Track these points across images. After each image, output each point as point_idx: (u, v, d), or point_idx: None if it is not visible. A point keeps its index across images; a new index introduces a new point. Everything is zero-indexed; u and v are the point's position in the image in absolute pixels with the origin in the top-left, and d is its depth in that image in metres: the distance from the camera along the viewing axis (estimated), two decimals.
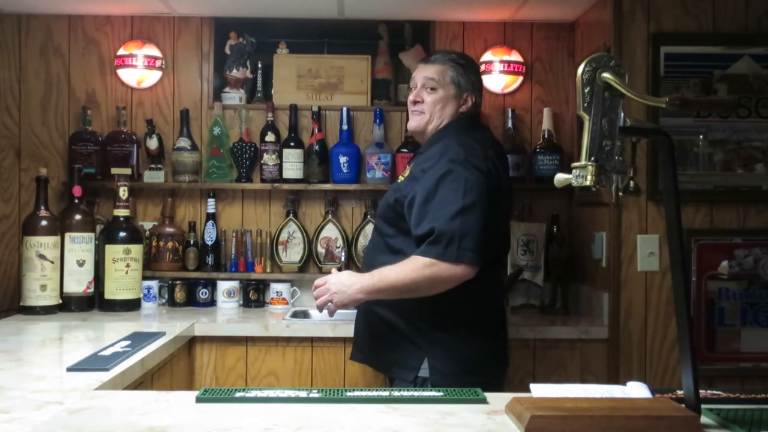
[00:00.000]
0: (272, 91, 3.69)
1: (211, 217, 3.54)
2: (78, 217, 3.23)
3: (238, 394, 1.63)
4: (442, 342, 2.41)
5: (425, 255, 2.29)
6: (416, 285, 2.30)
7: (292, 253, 3.56)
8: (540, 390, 1.64)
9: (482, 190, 2.35)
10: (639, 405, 1.51)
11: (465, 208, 2.30)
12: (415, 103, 2.55)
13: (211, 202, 3.54)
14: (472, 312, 2.46)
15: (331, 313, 2.46)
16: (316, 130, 3.53)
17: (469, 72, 2.57)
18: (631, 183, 1.51)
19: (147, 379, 2.32)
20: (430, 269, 2.27)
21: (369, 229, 3.43)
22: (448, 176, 2.34)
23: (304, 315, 3.35)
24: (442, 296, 2.34)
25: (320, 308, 2.44)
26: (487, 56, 3.59)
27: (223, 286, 3.42)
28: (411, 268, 2.29)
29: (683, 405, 1.48)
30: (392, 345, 2.47)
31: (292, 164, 3.51)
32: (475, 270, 2.30)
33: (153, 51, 3.56)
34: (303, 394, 1.63)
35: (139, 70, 3.54)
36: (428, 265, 2.27)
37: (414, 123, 2.56)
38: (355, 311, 3.15)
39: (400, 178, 2.57)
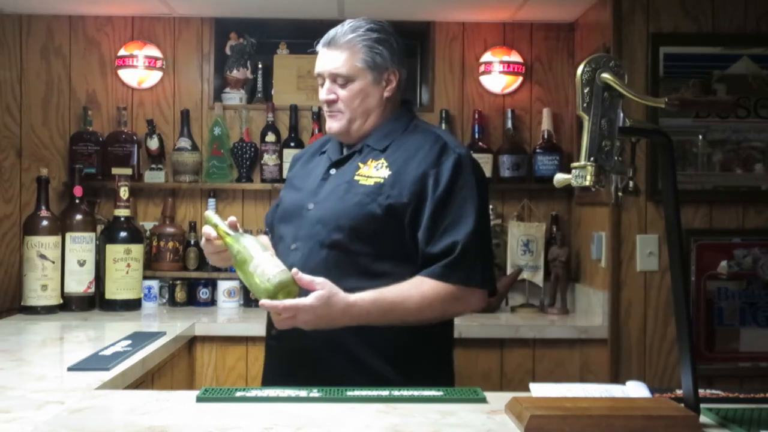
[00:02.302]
0: (272, 92, 3.69)
1: None
2: (79, 217, 3.24)
3: (238, 394, 1.63)
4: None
5: (446, 280, 1.87)
6: (430, 320, 1.92)
7: None
8: (540, 390, 1.65)
9: (487, 196, 2.06)
10: (638, 405, 1.51)
11: (481, 219, 1.94)
12: (329, 103, 2.04)
13: (211, 202, 3.54)
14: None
15: None
16: (317, 131, 3.54)
17: (384, 42, 2.03)
18: (631, 183, 1.51)
19: (147, 379, 2.32)
20: (458, 302, 1.90)
21: None
22: (460, 177, 1.94)
23: None
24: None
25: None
26: (486, 56, 3.59)
27: (224, 285, 3.43)
28: (433, 299, 1.86)
29: (682, 405, 1.48)
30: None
31: None
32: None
33: (153, 51, 3.57)
34: (303, 394, 1.63)
35: (140, 70, 3.55)
36: (454, 296, 1.88)
37: (336, 126, 2.04)
38: None
39: (363, 179, 1.98)
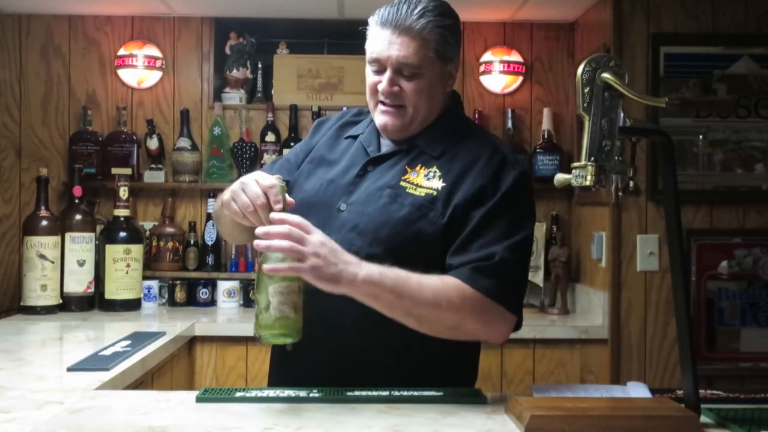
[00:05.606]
0: (272, 91, 3.69)
1: (212, 217, 3.54)
2: (78, 217, 3.24)
3: (238, 394, 1.63)
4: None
5: (474, 285, 1.59)
6: (442, 326, 1.60)
7: None
8: (540, 390, 1.64)
9: (534, 224, 1.77)
10: (639, 405, 1.51)
11: (525, 246, 1.69)
12: (390, 95, 1.76)
13: (211, 202, 3.54)
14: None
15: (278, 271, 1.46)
16: None
17: (455, 30, 1.78)
18: (631, 183, 1.51)
19: (147, 379, 2.32)
20: (479, 315, 1.61)
21: None
22: (516, 196, 1.69)
23: None
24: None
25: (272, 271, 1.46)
26: (487, 56, 3.59)
27: (224, 286, 3.43)
28: (453, 297, 1.57)
29: (683, 405, 1.48)
30: None
31: None
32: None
33: (153, 51, 3.56)
34: (303, 394, 1.63)
35: (140, 70, 3.54)
36: (478, 305, 1.59)
37: (396, 122, 1.77)
38: None
39: (411, 188, 1.71)
